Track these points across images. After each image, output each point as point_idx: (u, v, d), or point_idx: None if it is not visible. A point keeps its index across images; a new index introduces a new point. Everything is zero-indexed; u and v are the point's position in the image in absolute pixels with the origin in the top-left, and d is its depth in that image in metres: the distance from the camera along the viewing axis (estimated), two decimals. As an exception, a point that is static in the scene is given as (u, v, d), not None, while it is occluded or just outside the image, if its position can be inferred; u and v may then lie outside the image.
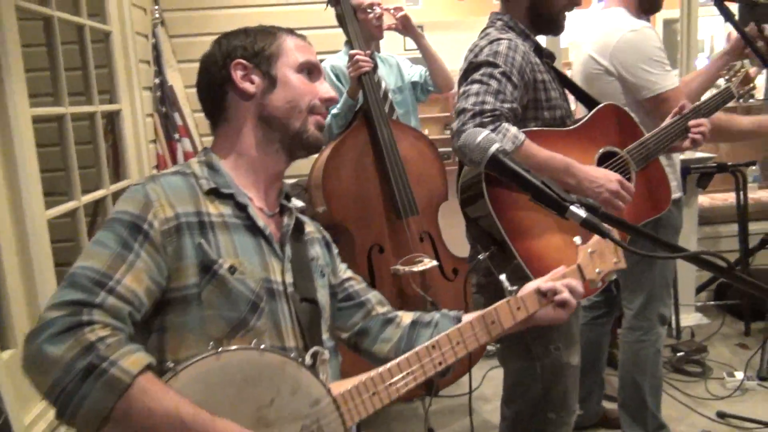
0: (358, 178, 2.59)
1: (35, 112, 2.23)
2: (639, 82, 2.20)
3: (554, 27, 1.91)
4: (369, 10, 2.83)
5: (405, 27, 2.93)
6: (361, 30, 2.74)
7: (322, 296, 1.29)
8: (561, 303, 1.32)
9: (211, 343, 1.04)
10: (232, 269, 1.11)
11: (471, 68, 1.77)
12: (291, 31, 1.31)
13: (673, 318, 3.60)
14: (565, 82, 2.05)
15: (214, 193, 1.18)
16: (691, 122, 1.97)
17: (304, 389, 1.08)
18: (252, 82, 1.24)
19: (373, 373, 1.17)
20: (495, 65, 1.72)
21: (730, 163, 3.56)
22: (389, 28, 2.95)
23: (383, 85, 2.80)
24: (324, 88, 1.29)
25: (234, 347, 1.05)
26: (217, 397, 1.00)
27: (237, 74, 1.24)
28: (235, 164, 1.25)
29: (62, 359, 0.90)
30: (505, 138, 1.62)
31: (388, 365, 1.19)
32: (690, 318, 3.92)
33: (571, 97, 2.12)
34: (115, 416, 0.91)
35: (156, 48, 3.41)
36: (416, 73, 3.08)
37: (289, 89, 1.24)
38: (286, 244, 1.24)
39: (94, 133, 2.79)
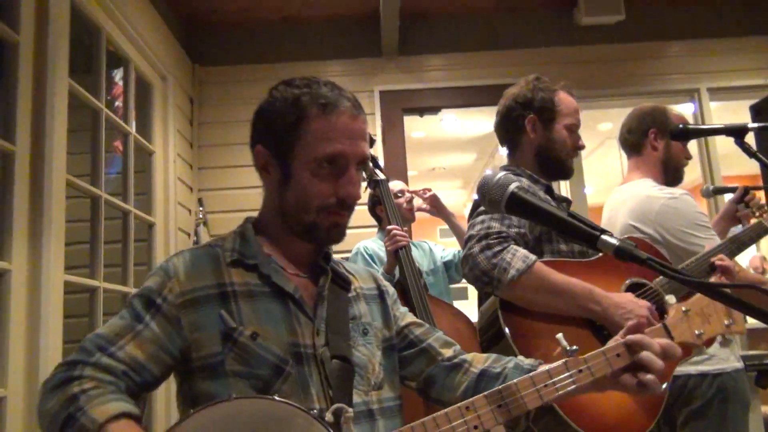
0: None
1: (68, 278, 2.25)
2: (688, 246, 2.12)
3: (562, 171, 1.95)
4: (399, 195, 2.94)
5: (435, 207, 3.01)
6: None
7: (362, 354, 1.21)
8: (644, 366, 1.13)
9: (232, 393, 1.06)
10: (254, 336, 1.11)
11: (476, 206, 1.77)
12: (324, 104, 1.17)
13: None
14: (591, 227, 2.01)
15: (239, 264, 1.19)
16: (714, 259, 1.88)
17: None
18: (269, 173, 1.23)
19: None
20: None
21: (789, 359, 3.31)
22: (420, 210, 3.03)
23: (417, 263, 2.80)
24: (343, 185, 1.18)
25: (248, 395, 1.07)
26: None
27: (258, 162, 1.24)
28: (271, 236, 1.26)
29: (50, 412, 0.98)
30: (514, 257, 1.54)
31: (412, 425, 1.06)
32: None
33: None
34: None
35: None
36: (450, 253, 3.08)
37: (299, 189, 1.19)
38: (319, 305, 1.21)
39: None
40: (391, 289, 1.40)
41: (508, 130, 1.99)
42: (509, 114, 1.98)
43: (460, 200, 10.12)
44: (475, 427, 1.05)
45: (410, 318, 1.38)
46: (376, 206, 2.97)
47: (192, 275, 1.15)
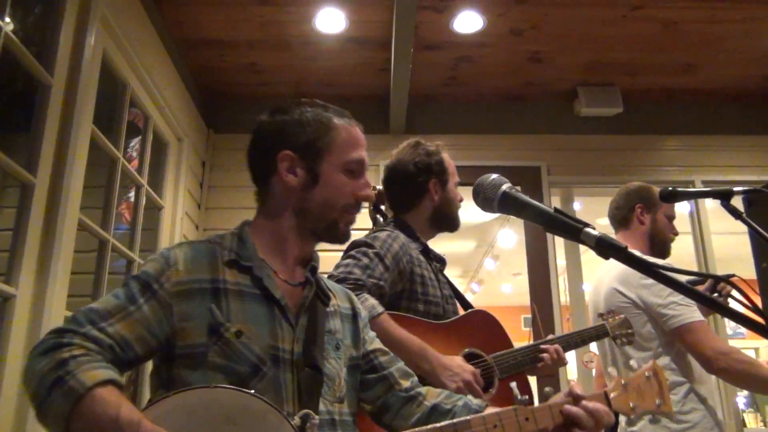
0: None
1: (69, 314, 2.29)
2: (666, 311, 2.20)
3: (455, 224, 2.12)
4: None
5: None
6: None
7: (332, 367, 1.28)
8: (578, 424, 1.23)
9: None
10: (239, 333, 1.17)
11: (347, 249, 1.87)
12: (345, 118, 1.36)
13: None
14: (456, 293, 2.12)
15: (234, 264, 1.25)
16: (543, 346, 1.99)
17: None
18: (295, 175, 1.31)
19: None
20: (371, 246, 1.84)
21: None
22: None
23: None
24: (362, 187, 1.34)
25: (227, 386, 1.09)
26: (196, 427, 1.03)
27: (282, 165, 1.30)
28: (268, 240, 1.32)
29: (39, 373, 1.02)
30: (362, 305, 1.63)
31: None
32: None
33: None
34: (73, 419, 0.99)
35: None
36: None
37: (329, 189, 1.31)
38: (301, 314, 1.27)
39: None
40: (363, 312, 1.48)
41: (410, 193, 2.09)
42: (413, 178, 2.07)
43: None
44: None
45: (377, 344, 1.45)
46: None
47: (190, 267, 1.21)
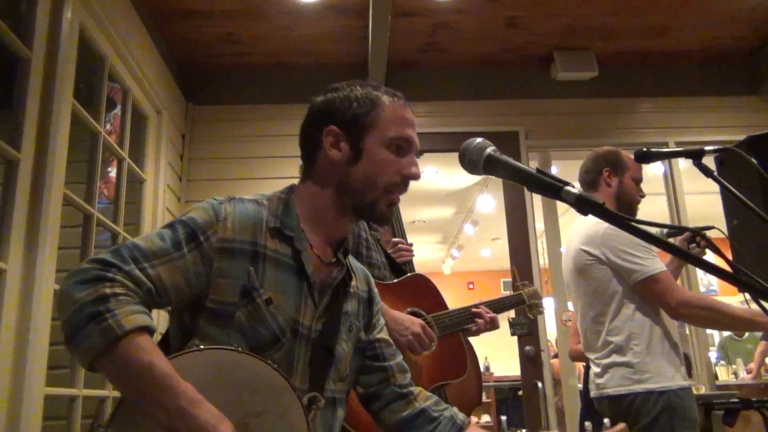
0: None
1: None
2: (629, 265, 2.32)
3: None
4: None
5: None
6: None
7: (342, 348, 1.32)
8: None
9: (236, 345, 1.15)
10: (269, 301, 1.21)
11: None
12: (394, 96, 1.34)
13: None
14: (390, 262, 2.25)
15: (277, 233, 1.27)
16: (475, 310, 2.22)
17: (290, 419, 1.13)
18: (339, 150, 1.30)
19: None
20: None
21: (755, 399, 3.41)
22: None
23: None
24: (408, 165, 1.31)
25: (254, 354, 1.14)
26: (218, 387, 1.08)
27: (327, 140, 1.30)
28: (308, 212, 1.32)
29: (79, 302, 1.03)
30: None
31: None
32: None
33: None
34: (103, 358, 1.03)
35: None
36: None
37: (372, 165, 1.29)
38: (326, 293, 1.31)
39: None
40: (378, 297, 1.50)
41: None
42: None
43: (438, 256, 10.26)
44: None
45: (384, 334, 1.49)
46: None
47: (237, 228, 1.22)
